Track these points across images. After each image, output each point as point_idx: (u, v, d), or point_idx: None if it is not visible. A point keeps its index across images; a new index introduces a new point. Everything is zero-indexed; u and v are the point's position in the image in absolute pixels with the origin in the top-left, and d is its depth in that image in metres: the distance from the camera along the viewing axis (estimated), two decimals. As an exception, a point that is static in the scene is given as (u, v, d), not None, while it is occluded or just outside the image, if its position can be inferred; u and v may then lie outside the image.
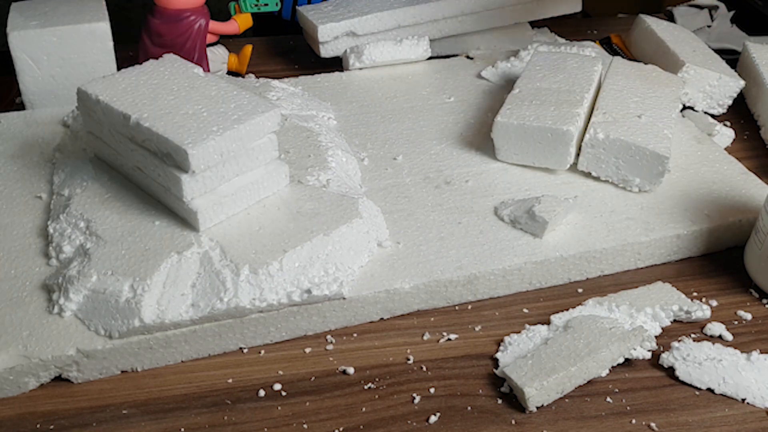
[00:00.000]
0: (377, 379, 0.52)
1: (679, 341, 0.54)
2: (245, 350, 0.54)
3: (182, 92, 0.57)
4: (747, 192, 0.66)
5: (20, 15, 0.73)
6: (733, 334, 0.55)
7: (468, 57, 0.89)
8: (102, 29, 0.73)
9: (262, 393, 0.50)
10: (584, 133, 0.67)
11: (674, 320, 0.56)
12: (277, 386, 0.51)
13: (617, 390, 0.51)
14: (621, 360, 0.52)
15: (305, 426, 0.48)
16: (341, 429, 0.48)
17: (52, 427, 0.48)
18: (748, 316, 0.57)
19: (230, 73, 0.85)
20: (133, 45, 0.83)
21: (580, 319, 0.54)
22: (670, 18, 0.99)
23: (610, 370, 0.52)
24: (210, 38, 0.80)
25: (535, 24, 0.96)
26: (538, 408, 0.49)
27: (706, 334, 0.55)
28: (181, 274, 0.52)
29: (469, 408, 0.50)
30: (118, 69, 0.72)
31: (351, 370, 0.52)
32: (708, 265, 0.62)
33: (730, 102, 0.81)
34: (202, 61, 0.79)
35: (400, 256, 0.58)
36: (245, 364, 0.53)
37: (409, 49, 0.84)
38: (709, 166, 0.69)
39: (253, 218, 0.56)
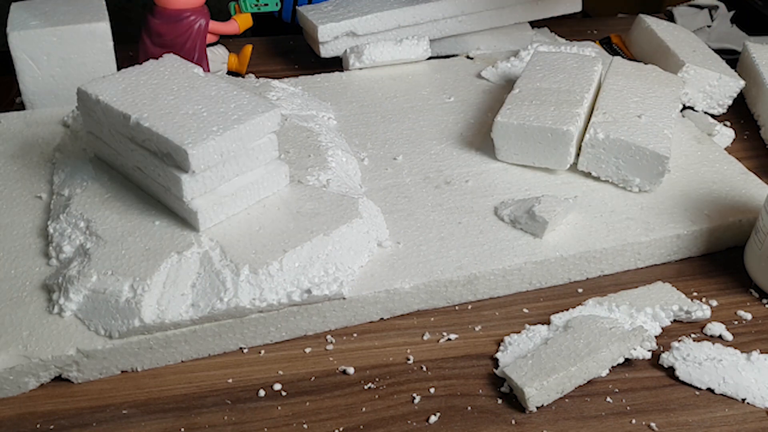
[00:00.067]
0: (377, 379, 0.52)
1: (679, 341, 0.54)
2: (245, 350, 0.54)
3: (182, 92, 0.57)
4: (747, 192, 0.66)
5: (20, 15, 0.72)
6: (733, 334, 0.55)
7: (468, 57, 0.89)
8: (102, 29, 0.73)
9: (262, 393, 0.50)
10: (584, 133, 0.67)
11: (674, 320, 0.56)
12: (277, 386, 0.51)
13: (617, 390, 0.51)
14: (621, 360, 0.52)
15: (305, 426, 0.48)
16: (341, 429, 0.48)
17: (52, 427, 0.48)
18: (748, 316, 0.57)
19: (230, 73, 0.85)
20: (133, 45, 0.83)
21: (580, 319, 0.54)
22: (670, 18, 0.99)
23: (610, 370, 0.52)
24: (210, 38, 0.80)
25: (535, 24, 0.96)
26: (538, 408, 0.49)
27: (706, 334, 0.55)
28: (181, 274, 0.52)
29: (469, 408, 0.50)
30: (118, 69, 0.72)
31: (351, 370, 0.52)
32: (708, 265, 0.62)
33: (730, 102, 0.81)
34: (202, 61, 0.79)
35: (400, 256, 0.58)
36: (245, 364, 0.53)
37: (409, 49, 0.84)
38: (709, 166, 0.69)
39: (253, 218, 0.56)
